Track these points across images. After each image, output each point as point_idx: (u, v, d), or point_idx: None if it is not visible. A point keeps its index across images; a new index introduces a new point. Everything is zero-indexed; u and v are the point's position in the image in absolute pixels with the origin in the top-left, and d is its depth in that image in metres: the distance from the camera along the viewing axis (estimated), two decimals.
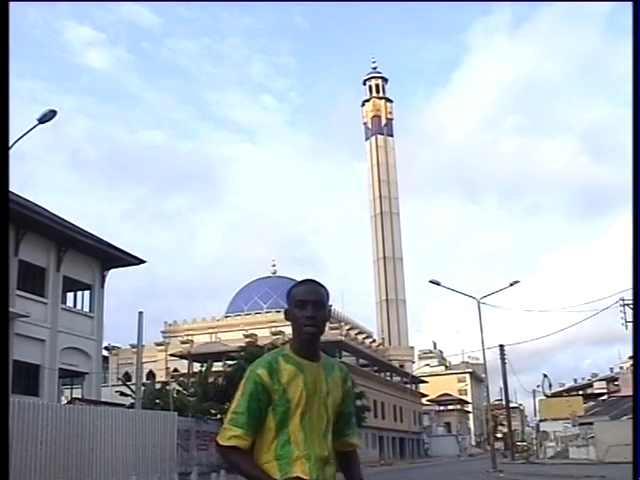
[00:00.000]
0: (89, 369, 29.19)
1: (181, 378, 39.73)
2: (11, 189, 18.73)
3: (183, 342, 65.85)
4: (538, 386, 65.62)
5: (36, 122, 18.99)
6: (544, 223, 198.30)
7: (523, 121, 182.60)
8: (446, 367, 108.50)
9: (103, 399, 29.63)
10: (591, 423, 40.80)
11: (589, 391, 72.37)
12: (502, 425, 69.52)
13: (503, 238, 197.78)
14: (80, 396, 28.84)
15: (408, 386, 74.77)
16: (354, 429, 2.87)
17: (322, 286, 2.66)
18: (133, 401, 27.96)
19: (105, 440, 20.50)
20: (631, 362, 51.80)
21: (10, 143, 15.02)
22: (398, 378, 73.93)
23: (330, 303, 2.71)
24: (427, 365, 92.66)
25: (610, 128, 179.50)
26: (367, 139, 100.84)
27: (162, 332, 77.53)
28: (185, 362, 53.08)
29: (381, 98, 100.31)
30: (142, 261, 31.59)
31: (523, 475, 27.79)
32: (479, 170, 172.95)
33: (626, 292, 36.71)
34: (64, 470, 18.48)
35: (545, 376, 64.22)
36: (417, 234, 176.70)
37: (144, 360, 32.59)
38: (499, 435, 69.17)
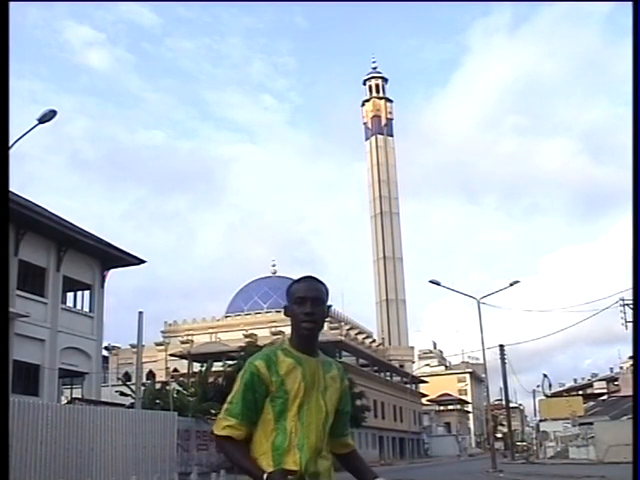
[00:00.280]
0: (89, 369, 29.18)
1: (181, 378, 39.76)
2: (11, 189, 18.74)
3: (183, 342, 65.86)
4: (538, 386, 65.71)
5: (36, 122, 18.98)
6: (544, 223, 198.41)
7: (523, 121, 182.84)
8: (446, 367, 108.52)
9: (103, 399, 29.63)
10: (591, 423, 40.80)
11: (589, 391, 72.33)
12: (502, 425, 69.56)
13: (503, 238, 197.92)
14: (80, 396, 28.84)
15: (408, 386, 74.77)
16: (349, 430, 2.89)
17: (321, 283, 2.68)
18: (133, 401, 27.98)
19: (105, 440, 20.50)
20: (631, 362, 51.82)
21: (10, 143, 15.03)
22: (398, 378, 73.92)
23: (330, 303, 2.72)
24: (427, 365, 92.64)
25: (610, 128, 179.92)
26: (367, 139, 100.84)
27: (162, 332, 77.54)
28: (185, 362, 53.04)
29: (381, 98, 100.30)
30: (142, 261, 31.59)
31: (523, 475, 27.77)
32: (479, 170, 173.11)
33: (626, 292, 36.78)
34: (64, 470, 18.48)
35: (545, 376, 64.31)
36: (417, 234, 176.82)
37: (144, 360, 32.59)
38: (499, 435, 69.22)
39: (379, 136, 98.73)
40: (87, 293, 30.11)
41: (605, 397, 67.32)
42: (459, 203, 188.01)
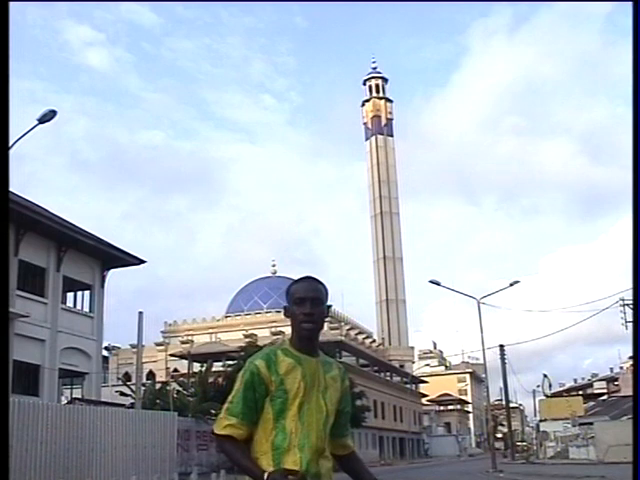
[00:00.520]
0: (89, 369, 29.17)
1: (181, 378, 39.79)
2: (11, 189, 18.73)
3: (183, 342, 65.87)
4: (538, 386, 65.62)
5: (36, 122, 18.99)
6: (543, 224, 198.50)
7: (522, 122, 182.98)
8: (446, 367, 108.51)
9: (103, 399, 29.65)
10: (591, 423, 40.81)
11: (589, 391, 72.30)
12: (502, 425, 69.58)
13: (503, 238, 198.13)
14: (80, 396, 28.84)
15: (408, 386, 74.80)
16: (349, 431, 2.88)
17: (321, 283, 2.67)
18: (133, 401, 28.01)
19: (105, 440, 20.51)
20: (631, 362, 51.87)
21: (10, 143, 15.03)
22: (398, 378, 73.92)
23: (330, 303, 2.72)
24: (427, 365, 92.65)
25: (609, 129, 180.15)
26: (367, 139, 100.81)
27: (162, 332, 77.55)
28: (185, 362, 53.08)
29: (381, 98, 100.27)
30: (142, 261, 31.60)
31: (523, 475, 27.77)
32: (478, 170, 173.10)
33: (626, 292, 36.81)
34: (64, 470, 18.49)
35: (545, 376, 64.17)
36: (417, 234, 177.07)
37: (144, 360, 32.62)
38: (499, 435, 69.19)
39: (379, 136, 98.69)
40: (87, 293, 30.12)
41: (605, 397, 67.29)
42: (459, 203, 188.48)
